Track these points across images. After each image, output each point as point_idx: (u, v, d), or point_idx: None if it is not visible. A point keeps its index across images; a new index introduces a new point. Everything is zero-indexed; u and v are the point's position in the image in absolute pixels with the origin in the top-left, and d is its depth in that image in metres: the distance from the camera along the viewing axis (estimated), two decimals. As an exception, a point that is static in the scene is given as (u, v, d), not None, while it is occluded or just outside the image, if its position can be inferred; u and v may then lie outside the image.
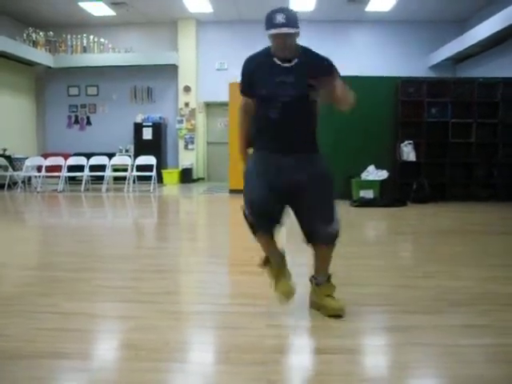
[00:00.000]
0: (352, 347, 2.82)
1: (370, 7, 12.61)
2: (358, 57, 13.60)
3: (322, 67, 3.03)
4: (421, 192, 9.71)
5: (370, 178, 9.72)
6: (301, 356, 2.78)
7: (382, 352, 2.85)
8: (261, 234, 3.25)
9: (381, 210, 8.71)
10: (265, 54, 3.13)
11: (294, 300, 3.28)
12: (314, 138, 3.21)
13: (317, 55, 3.11)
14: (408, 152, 10.01)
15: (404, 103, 10.10)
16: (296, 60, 3.07)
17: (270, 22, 2.96)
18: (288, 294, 3.24)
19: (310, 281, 3.40)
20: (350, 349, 2.78)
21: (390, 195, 9.51)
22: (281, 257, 3.37)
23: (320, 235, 3.18)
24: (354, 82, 10.82)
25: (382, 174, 9.74)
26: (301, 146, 3.13)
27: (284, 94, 3.03)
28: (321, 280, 3.33)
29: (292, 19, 2.95)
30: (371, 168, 9.82)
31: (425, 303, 3.54)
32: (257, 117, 3.19)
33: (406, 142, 10.01)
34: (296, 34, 3.00)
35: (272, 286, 3.33)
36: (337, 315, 3.19)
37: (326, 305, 3.25)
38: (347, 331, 3.01)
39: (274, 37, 2.99)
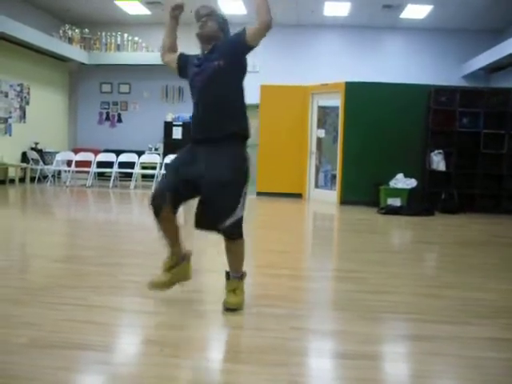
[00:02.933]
0: (373, 354, 2.82)
1: (405, 14, 12.50)
2: (390, 64, 13.51)
3: (236, 35, 3.38)
4: (449, 202, 9.62)
5: (399, 186, 9.67)
6: (322, 359, 2.78)
7: (404, 360, 2.83)
8: (162, 215, 3.31)
9: (408, 219, 8.65)
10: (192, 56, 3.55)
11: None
12: (230, 123, 3.30)
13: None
14: (438, 161, 9.93)
15: (435, 112, 10.03)
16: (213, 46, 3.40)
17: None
18: (157, 285, 3.40)
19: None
20: (371, 355, 2.78)
21: (418, 204, 9.44)
22: (181, 247, 3.50)
23: (214, 227, 3.31)
24: (385, 88, 10.80)
25: (411, 183, 9.69)
26: (214, 134, 3.28)
27: (197, 80, 3.35)
28: (232, 275, 3.49)
29: (220, 14, 3.55)
30: (400, 176, 9.76)
31: (448, 313, 3.52)
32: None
33: (436, 151, 9.94)
34: (217, 24, 3.44)
35: (164, 274, 3.45)
36: (229, 309, 3.34)
37: (225, 299, 3.41)
38: (369, 337, 3.01)
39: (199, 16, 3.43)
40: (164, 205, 3.27)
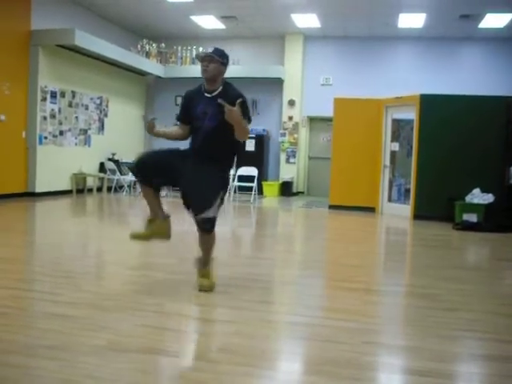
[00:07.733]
0: (447, 372, 2.75)
1: (484, 23, 12.15)
2: (467, 75, 13.17)
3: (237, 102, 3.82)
4: (529, 218, 9.23)
5: (475, 201, 9.38)
6: (395, 376, 2.74)
7: (477, 380, 2.75)
8: (142, 186, 4.13)
9: (485, 235, 8.36)
10: (197, 89, 4.13)
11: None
12: (224, 157, 4.12)
13: (234, 90, 4.06)
14: (517, 176, 9.57)
15: (515, 124, 9.67)
16: (217, 91, 4.00)
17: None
18: (135, 236, 4.18)
19: (195, 263, 4.18)
20: (444, 373, 2.71)
21: (496, 220, 9.11)
22: (160, 210, 4.21)
23: (196, 220, 3.94)
24: (461, 101, 10.44)
25: (488, 198, 9.37)
26: (211, 159, 3.98)
27: (206, 125, 3.98)
28: (199, 265, 4.13)
29: (219, 51, 3.96)
30: (476, 191, 9.47)
31: (527, 334, 3.39)
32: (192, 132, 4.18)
33: (516, 166, 9.58)
34: (218, 63, 3.93)
35: (144, 228, 4.17)
36: (204, 290, 3.97)
37: (199, 283, 4.05)
38: (444, 355, 2.93)
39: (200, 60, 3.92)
40: (147, 185, 4.08)
